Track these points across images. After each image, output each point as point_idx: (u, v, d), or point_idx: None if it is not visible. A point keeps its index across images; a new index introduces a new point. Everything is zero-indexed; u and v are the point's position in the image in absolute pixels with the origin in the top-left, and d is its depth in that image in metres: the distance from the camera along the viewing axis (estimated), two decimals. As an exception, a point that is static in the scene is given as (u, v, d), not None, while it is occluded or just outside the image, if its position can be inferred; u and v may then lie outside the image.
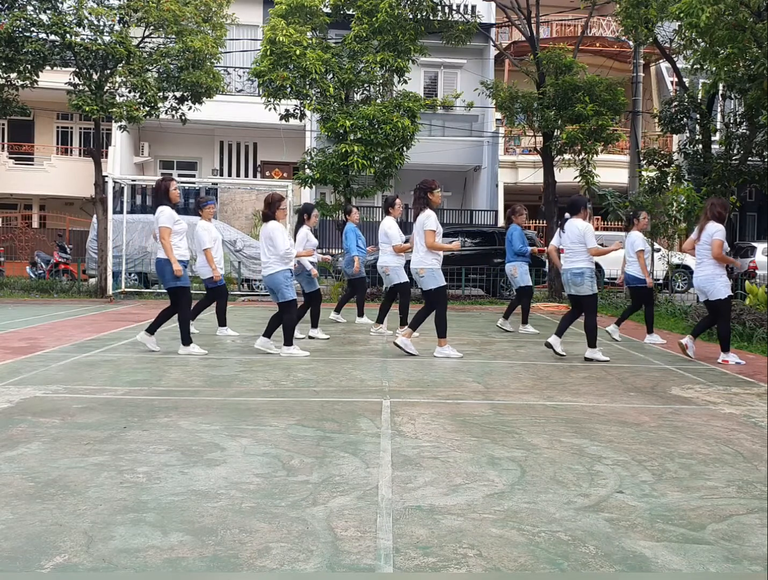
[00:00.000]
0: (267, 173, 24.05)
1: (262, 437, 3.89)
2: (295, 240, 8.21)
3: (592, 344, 6.93)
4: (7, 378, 5.47)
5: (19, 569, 2.28)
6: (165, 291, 15.67)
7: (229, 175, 24.57)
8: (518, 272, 9.10)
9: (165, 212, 6.67)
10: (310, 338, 8.19)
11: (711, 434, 4.16)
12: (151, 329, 7.04)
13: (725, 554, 2.49)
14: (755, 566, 2.41)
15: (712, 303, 6.91)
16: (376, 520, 2.73)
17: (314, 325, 8.28)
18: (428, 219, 6.75)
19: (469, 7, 18.31)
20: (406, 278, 8.22)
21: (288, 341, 6.87)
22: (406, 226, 21.61)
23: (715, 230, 6.79)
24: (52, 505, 2.84)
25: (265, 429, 4.07)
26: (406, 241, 8.36)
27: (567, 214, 7.23)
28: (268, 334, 6.99)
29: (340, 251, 14.65)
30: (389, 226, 8.27)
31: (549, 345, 7.02)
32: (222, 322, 8.39)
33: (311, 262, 8.21)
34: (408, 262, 7.36)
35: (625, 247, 8.46)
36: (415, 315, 7.10)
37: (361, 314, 9.77)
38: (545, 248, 15.99)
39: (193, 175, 23.47)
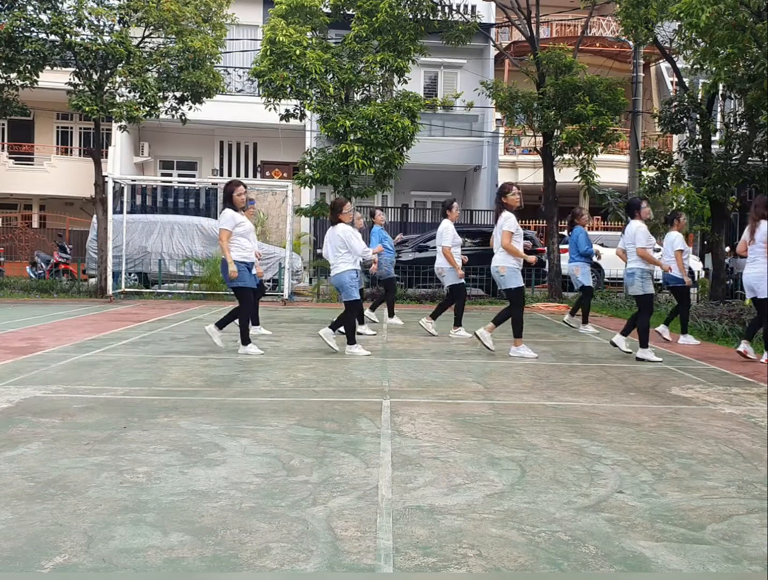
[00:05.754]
0: (267, 173, 24.04)
1: (262, 437, 3.89)
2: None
3: (643, 343, 7.07)
4: (7, 378, 5.47)
5: (19, 569, 2.28)
6: (165, 291, 15.69)
7: (229, 175, 24.53)
8: (580, 272, 9.46)
9: (225, 215, 6.87)
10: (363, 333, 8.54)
11: (711, 434, 4.16)
12: (220, 324, 7.14)
13: (725, 554, 2.49)
14: (755, 566, 2.41)
15: (760, 301, 6.98)
16: (376, 520, 2.73)
17: (360, 322, 8.59)
18: (507, 221, 6.96)
19: (469, 7, 18.31)
20: (460, 281, 8.45)
21: (350, 340, 7.14)
22: (399, 229, 21.75)
23: None
24: (52, 505, 2.84)
25: (265, 429, 4.07)
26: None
27: (629, 217, 7.62)
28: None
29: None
30: (444, 228, 8.43)
31: (614, 344, 7.37)
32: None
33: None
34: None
35: (663, 248, 8.84)
36: (500, 312, 7.38)
37: (391, 314, 9.90)
38: (545, 249, 16.03)
39: (193, 175, 23.48)
